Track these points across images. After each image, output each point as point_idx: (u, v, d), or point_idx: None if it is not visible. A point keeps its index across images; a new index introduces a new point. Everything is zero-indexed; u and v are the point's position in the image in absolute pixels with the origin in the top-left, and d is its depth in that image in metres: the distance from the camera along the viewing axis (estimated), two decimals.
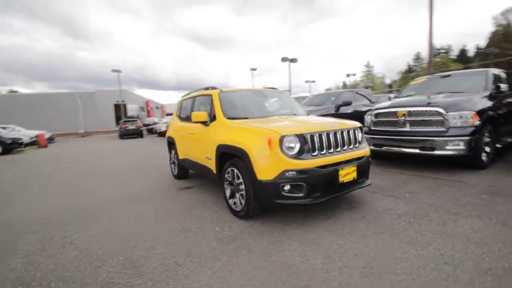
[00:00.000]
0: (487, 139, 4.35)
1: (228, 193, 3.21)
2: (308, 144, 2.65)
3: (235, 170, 2.96)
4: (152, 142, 15.07)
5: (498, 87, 4.69)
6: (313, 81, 33.88)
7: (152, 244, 2.53)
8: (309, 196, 2.57)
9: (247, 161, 2.71)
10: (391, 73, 67.16)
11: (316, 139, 2.69)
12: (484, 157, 4.30)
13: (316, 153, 2.66)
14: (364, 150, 3.11)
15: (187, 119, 4.58)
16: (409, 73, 63.16)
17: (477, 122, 4.11)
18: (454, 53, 69.67)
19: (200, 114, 3.60)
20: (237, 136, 2.98)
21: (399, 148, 4.59)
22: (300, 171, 2.51)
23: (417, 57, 69.25)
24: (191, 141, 4.21)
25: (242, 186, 2.88)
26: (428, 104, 4.39)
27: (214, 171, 3.46)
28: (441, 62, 61.63)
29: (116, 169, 6.79)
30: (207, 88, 4.25)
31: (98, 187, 5.01)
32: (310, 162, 2.56)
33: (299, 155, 2.60)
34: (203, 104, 4.17)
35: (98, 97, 34.00)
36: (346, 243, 2.29)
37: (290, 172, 2.51)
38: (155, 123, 19.78)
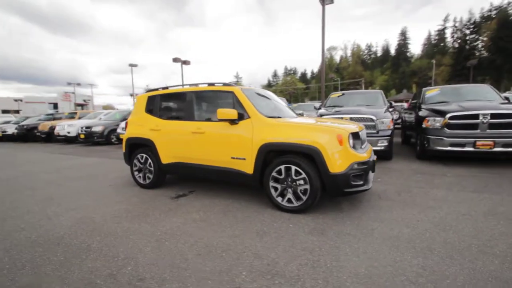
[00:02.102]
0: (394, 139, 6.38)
1: (275, 192, 3.23)
2: (359, 140, 3.21)
3: (293, 167, 3.07)
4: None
5: (390, 103, 6.94)
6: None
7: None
8: (365, 183, 3.11)
9: (318, 156, 2.93)
10: (256, 85, 77.27)
11: (361, 136, 3.29)
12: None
13: (363, 147, 3.25)
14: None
15: (181, 117, 4.03)
16: (269, 87, 74.74)
17: (392, 126, 5.98)
18: (297, 75, 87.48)
19: (229, 112, 3.37)
20: (298, 134, 3.11)
21: None
22: (362, 163, 3.02)
23: (275, 74, 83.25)
24: (198, 142, 3.75)
25: (302, 182, 3.04)
26: (362, 112, 5.94)
27: (250, 172, 3.35)
28: (291, 81, 76.68)
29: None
30: (212, 84, 3.92)
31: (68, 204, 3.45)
32: (365, 155, 3.12)
33: (356, 149, 3.10)
34: (214, 100, 3.85)
35: None
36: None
37: (356, 164, 2.97)
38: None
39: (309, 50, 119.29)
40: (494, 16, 45.81)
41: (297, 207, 3.10)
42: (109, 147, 10.89)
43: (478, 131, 5.13)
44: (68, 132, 12.03)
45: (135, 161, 4.47)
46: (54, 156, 8.93)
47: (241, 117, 3.44)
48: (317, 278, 1.91)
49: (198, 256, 2.27)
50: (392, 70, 68.33)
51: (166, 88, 4.51)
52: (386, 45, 74.43)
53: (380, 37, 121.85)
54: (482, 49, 44.01)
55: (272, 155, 3.27)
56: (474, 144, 5.09)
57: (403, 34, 69.54)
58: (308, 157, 3.04)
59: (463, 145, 5.17)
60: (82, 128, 11.35)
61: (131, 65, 28.99)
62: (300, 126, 3.25)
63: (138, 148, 4.47)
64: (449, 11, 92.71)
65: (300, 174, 3.05)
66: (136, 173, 4.51)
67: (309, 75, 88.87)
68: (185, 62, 22.46)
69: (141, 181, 4.44)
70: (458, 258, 2.09)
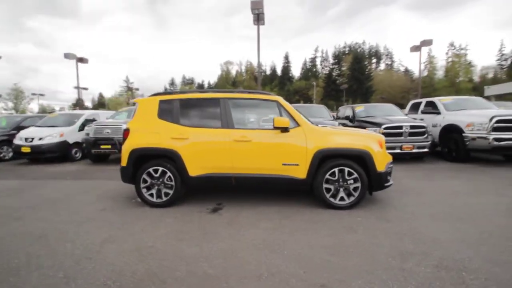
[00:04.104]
0: None
1: (327, 192, 3.59)
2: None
3: (346, 169, 3.54)
4: None
5: (333, 116, 8.46)
6: (86, 88, 28.40)
7: None
8: (391, 179, 3.92)
9: (369, 158, 3.52)
10: (150, 93, 71.52)
11: None
12: None
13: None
14: None
15: (214, 124, 3.77)
16: None
17: None
18: (195, 85, 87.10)
19: (284, 120, 3.52)
20: (348, 140, 3.60)
21: None
22: (391, 162, 3.82)
23: (172, 83, 79.89)
24: (242, 150, 3.63)
25: (352, 181, 3.56)
26: (327, 123, 7.06)
27: (303, 177, 3.59)
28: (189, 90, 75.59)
29: None
30: (250, 92, 3.90)
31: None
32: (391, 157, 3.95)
33: None
34: (255, 108, 3.83)
35: None
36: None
37: (389, 163, 3.75)
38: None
39: (205, 61, 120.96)
40: (347, 52, 60.96)
41: (348, 204, 3.58)
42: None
43: (402, 138, 7.10)
44: None
45: (145, 176, 3.76)
46: None
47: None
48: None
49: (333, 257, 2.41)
50: (279, 88, 78.49)
51: (169, 92, 4.11)
52: (273, 66, 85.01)
53: (267, 57, 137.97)
54: (344, 76, 57.42)
55: (325, 159, 3.62)
56: (401, 147, 7.00)
57: (286, 57, 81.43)
58: (358, 159, 3.59)
59: (394, 148, 6.98)
60: None
61: None
62: (347, 133, 3.78)
63: (149, 160, 3.79)
64: (318, 43, 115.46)
65: (352, 174, 3.55)
66: (144, 190, 3.79)
67: (206, 85, 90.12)
68: (82, 60, 18.49)
69: (153, 199, 3.78)
70: None
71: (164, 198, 3.77)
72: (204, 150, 3.71)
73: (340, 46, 65.82)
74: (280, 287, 1.97)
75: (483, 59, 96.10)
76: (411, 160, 7.47)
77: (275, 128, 3.55)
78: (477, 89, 49.52)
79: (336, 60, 62.04)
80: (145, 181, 3.78)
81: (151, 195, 3.79)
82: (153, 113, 3.88)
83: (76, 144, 8.61)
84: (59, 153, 8.16)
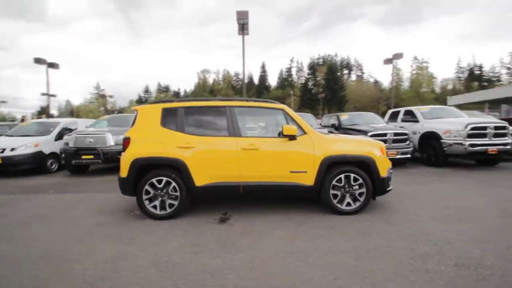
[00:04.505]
0: None
1: (334, 198, 3.66)
2: None
3: (351, 175, 3.65)
4: None
5: (320, 124, 8.70)
6: (54, 95, 26.60)
7: None
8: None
9: (373, 164, 3.66)
10: (123, 100, 68.65)
11: None
12: None
13: None
14: None
15: (220, 132, 3.72)
16: (141, 103, 68.77)
17: None
18: (171, 93, 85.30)
19: (292, 128, 3.57)
20: (354, 147, 3.72)
21: None
22: (391, 168, 3.99)
23: (147, 90, 77.65)
24: (250, 158, 3.60)
25: (357, 187, 3.67)
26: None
27: (311, 183, 3.63)
28: (165, 98, 74.13)
29: None
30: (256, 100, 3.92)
31: None
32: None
33: None
34: (261, 116, 3.84)
35: None
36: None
37: (390, 169, 3.91)
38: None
39: (181, 69, 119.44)
40: (322, 63, 63.58)
41: (354, 209, 3.67)
42: None
43: (387, 144, 7.45)
44: None
45: (147, 187, 3.58)
46: None
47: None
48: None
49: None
50: (256, 96, 79.34)
51: (172, 100, 4.03)
52: (250, 75, 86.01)
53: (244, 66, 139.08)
54: (319, 86, 59.59)
55: (332, 166, 3.69)
56: (386, 154, 7.36)
57: (263, 67, 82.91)
58: (363, 165, 3.71)
59: None
60: None
61: None
62: (351, 140, 3.91)
63: (151, 170, 3.63)
64: (293, 54, 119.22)
65: (357, 180, 3.66)
66: (147, 202, 3.61)
67: (182, 93, 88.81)
68: (52, 66, 17.32)
69: (157, 211, 3.60)
70: None
71: (169, 210, 3.61)
72: (212, 159, 3.63)
73: (315, 57, 68.61)
74: None
75: (443, 71, 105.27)
76: (394, 165, 7.84)
77: (284, 136, 3.58)
78: (439, 99, 53.82)
79: (312, 71, 64.26)
80: (147, 192, 3.60)
81: (154, 207, 3.61)
82: (155, 122, 3.74)
83: (53, 154, 8.00)
84: (34, 165, 7.51)
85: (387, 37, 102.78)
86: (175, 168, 3.61)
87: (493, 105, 27.59)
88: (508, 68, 55.62)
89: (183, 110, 3.80)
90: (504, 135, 6.92)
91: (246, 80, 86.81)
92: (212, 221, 3.54)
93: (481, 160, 7.66)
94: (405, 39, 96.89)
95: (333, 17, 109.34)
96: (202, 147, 3.63)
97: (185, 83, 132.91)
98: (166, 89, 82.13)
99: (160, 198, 3.61)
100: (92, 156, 7.15)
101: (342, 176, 3.65)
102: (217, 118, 3.82)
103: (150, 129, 3.72)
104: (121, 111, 57.26)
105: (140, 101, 73.49)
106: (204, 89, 75.91)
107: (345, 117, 9.39)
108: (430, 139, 7.72)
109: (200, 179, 3.60)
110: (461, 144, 6.90)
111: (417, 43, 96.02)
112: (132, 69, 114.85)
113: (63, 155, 7.31)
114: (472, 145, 6.79)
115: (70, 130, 8.77)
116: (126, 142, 3.69)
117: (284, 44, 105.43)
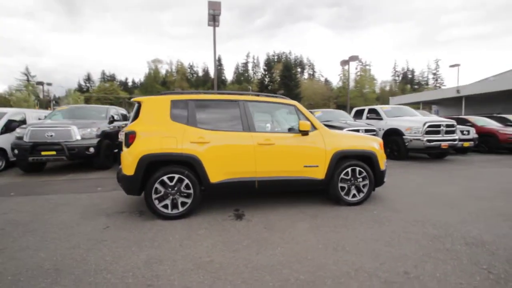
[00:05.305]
0: None
1: (342, 191, 3.89)
2: None
3: (357, 168, 3.92)
4: None
5: None
6: None
7: None
8: None
9: (374, 158, 3.98)
10: (59, 89, 59.92)
11: None
12: None
13: None
14: None
15: (235, 127, 3.62)
16: (83, 92, 61.61)
17: None
18: (117, 82, 78.41)
19: (307, 124, 3.66)
20: (359, 142, 3.99)
21: None
22: (386, 161, 4.39)
23: (88, 78, 69.81)
24: (266, 154, 3.58)
25: (361, 179, 3.96)
26: None
27: (322, 177, 3.80)
28: (111, 88, 67.99)
29: None
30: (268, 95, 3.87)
31: None
32: None
33: None
34: (272, 112, 3.83)
35: None
36: None
37: (385, 162, 4.30)
38: None
39: (129, 58, 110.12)
40: (277, 60, 65.23)
41: (359, 200, 3.96)
42: None
43: None
44: None
45: (157, 185, 3.32)
46: None
47: None
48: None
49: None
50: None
51: (180, 92, 3.79)
52: (206, 68, 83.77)
53: (199, 59, 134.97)
54: (275, 83, 61.02)
55: (343, 160, 3.90)
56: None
57: (219, 60, 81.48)
58: (366, 159, 4.01)
59: None
60: None
61: None
62: (355, 136, 4.18)
63: (161, 167, 3.36)
64: (249, 49, 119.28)
65: (362, 173, 3.95)
66: (156, 202, 3.34)
67: (130, 83, 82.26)
68: None
69: (168, 210, 3.36)
70: None
71: (181, 209, 3.40)
72: (227, 154, 3.51)
73: (270, 54, 70.00)
74: (376, 280, 2.10)
75: (382, 74, 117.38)
76: None
77: (301, 131, 3.66)
78: (379, 99, 60.02)
79: (268, 67, 65.47)
80: (157, 191, 3.34)
81: (165, 206, 3.36)
82: (164, 115, 3.46)
83: None
84: None
85: (336, 39, 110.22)
86: (188, 165, 3.41)
87: (425, 105, 31.83)
88: (434, 74, 64.54)
89: (194, 103, 3.59)
90: (453, 132, 8.13)
91: (201, 73, 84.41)
92: (228, 218, 3.46)
93: (433, 154, 8.87)
94: (352, 42, 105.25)
95: (287, 16, 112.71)
96: (217, 142, 3.49)
97: (134, 72, 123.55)
98: (111, 78, 75.03)
99: (171, 197, 3.38)
100: (54, 152, 6.24)
101: (349, 169, 3.90)
102: (230, 112, 3.70)
103: (159, 123, 3.44)
104: (57, 101, 50.53)
105: (81, 90, 65.86)
106: (155, 80, 71.40)
107: (318, 114, 9.89)
108: (393, 135, 8.64)
109: (215, 176, 3.47)
110: (420, 140, 7.89)
111: (361, 46, 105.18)
112: (69, 54, 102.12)
113: (15, 151, 6.22)
114: (429, 141, 7.82)
115: (19, 122, 7.52)
116: (131, 136, 3.34)
117: (239, 39, 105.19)
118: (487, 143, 10.01)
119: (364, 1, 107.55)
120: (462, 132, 9.12)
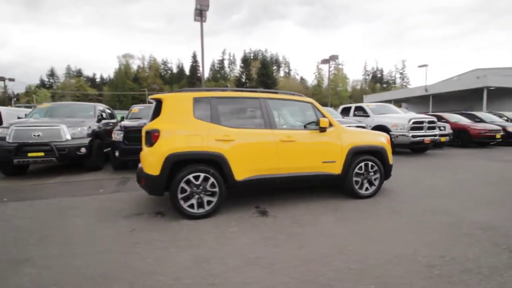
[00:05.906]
0: None
1: (356, 184, 4.08)
2: None
3: (369, 163, 4.13)
4: None
5: None
6: None
7: None
8: None
9: (385, 153, 4.22)
10: (18, 85, 54.71)
11: None
12: None
13: None
14: None
15: (256, 124, 3.65)
16: (46, 88, 56.97)
17: None
18: (84, 78, 73.87)
19: (326, 121, 3.79)
20: (370, 138, 4.22)
21: None
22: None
23: (52, 73, 64.73)
24: (287, 150, 3.66)
25: (372, 173, 4.18)
26: None
27: (338, 172, 3.95)
28: (78, 84, 63.86)
29: None
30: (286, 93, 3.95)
31: None
32: None
33: None
34: (291, 109, 3.92)
35: None
36: None
37: (392, 157, 4.57)
38: None
39: (96, 52, 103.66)
40: (253, 58, 65.40)
41: (371, 193, 4.18)
42: None
43: None
44: None
45: (183, 184, 3.25)
46: None
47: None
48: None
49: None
50: (189, 87, 75.94)
51: (200, 89, 3.75)
52: (180, 64, 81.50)
53: (172, 55, 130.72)
54: (253, 80, 61.25)
55: (357, 155, 4.07)
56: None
57: (194, 57, 79.55)
58: (377, 154, 4.23)
59: None
60: None
61: None
62: (367, 132, 4.43)
63: (186, 166, 3.29)
64: (225, 46, 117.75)
65: (374, 167, 4.17)
66: (182, 202, 3.27)
67: (98, 79, 77.71)
68: None
69: (194, 210, 3.31)
70: None
71: (207, 207, 3.36)
72: (252, 151, 3.53)
73: (247, 51, 69.91)
74: (419, 265, 2.26)
75: (353, 73, 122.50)
76: None
77: (321, 128, 3.78)
78: (352, 97, 62.60)
79: (245, 64, 65.37)
80: (183, 190, 3.27)
81: (191, 205, 3.31)
82: (187, 112, 3.39)
83: None
84: None
85: (310, 38, 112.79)
86: (213, 163, 3.38)
87: (396, 103, 33.76)
88: (401, 73, 68.51)
89: (216, 100, 3.55)
90: (434, 128, 8.77)
91: (175, 70, 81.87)
92: (253, 215, 3.49)
93: (416, 149, 9.50)
94: (326, 41, 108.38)
95: (262, 13, 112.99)
96: (242, 139, 3.49)
97: (102, 68, 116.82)
98: (78, 74, 70.25)
99: (197, 196, 3.33)
100: (42, 154, 5.79)
101: (363, 164, 4.09)
102: (251, 109, 3.73)
103: (183, 121, 3.36)
104: (17, 97, 46.38)
105: (44, 86, 60.94)
106: (127, 76, 68.06)
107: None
108: (380, 131, 9.12)
109: (240, 173, 3.47)
110: (405, 135, 8.42)
111: (334, 46, 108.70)
112: (29, 47, 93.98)
113: None
114: (414, 136, 8.38)
115: None
116: (155, 135, 3.24)
117: (215, 36, 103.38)
118: (461, 138, 10.93)
119: (335, 1, 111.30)
120: (439, 128, 9.87)
